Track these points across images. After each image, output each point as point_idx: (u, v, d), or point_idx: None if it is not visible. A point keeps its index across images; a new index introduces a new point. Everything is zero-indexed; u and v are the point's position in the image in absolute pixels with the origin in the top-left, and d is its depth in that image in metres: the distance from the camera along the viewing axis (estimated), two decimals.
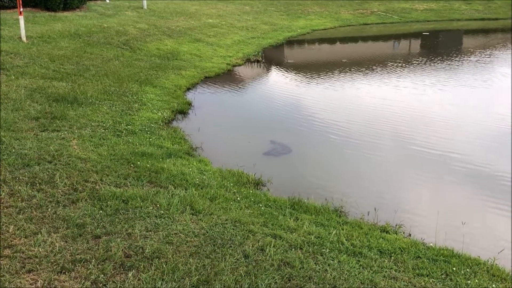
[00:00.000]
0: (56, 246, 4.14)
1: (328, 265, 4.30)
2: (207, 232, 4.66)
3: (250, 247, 4.44)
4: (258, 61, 15.62)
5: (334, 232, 4.93)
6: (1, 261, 3.88)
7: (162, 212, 4.98)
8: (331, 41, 21.30)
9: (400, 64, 15.47)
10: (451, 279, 4.26)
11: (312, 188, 6.46)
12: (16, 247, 4.08)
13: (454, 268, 4.41)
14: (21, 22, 12.08)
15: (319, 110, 10.34)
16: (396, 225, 5.42)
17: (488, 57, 16.51)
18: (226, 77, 13.39)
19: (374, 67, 15.00)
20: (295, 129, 9.11)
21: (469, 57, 16.67)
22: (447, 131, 8.90)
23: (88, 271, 3.85)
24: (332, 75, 14.00)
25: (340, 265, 4.31)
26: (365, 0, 29.24)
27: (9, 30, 12.82)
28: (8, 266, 3.82)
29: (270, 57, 16.75)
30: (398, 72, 14.34)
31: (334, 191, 6.40)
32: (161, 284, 3.79)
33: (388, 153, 7.95)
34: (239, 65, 14.86)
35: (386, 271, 4.30)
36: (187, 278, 3.89)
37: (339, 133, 8.79)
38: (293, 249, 4.51)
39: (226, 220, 4.98)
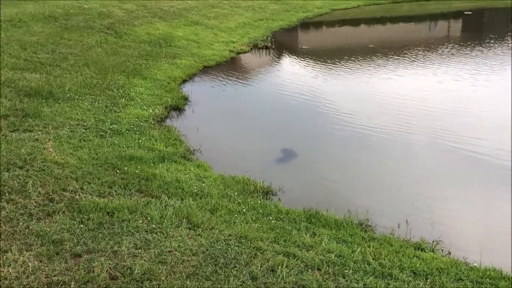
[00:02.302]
0: (29, 266, 4.18)
1: None
2: (207, 250, 4.69)
3: (258, 268, 4.45)
4: (267, 48, 15.66)
5: (358, 250, 4.93)
6: None
7: (153, 226, 5.01)
8: (355, 22, 21.31)
9: (437, 51, 15.43)
10: None
11: (332, 198, 6.47)
12: None
13: None
14: None
15: (338, 107, 10.34)
16: (433, 241, 5.40)
17: None
18: (229, 67, 13.44)
19: (406, 55, 14.97)
20: (310, 130, 9.12)
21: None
22: (495, 132, 8.86)
23: None
24: (356, 64, 14.00)
25: None
26: None
27: None
28: None
29: (281, 43, 16.80)
30: (436, 61, 14.29)
31: (357, 201, 6.39)
32: None
33: (421, 157, 7.92)
34: (245, 52, 14.90)
35: None
36: None
37: (360, 134, 8.78)
38: (310, 270, 4.52)
39: (230, 235, 5.00)
